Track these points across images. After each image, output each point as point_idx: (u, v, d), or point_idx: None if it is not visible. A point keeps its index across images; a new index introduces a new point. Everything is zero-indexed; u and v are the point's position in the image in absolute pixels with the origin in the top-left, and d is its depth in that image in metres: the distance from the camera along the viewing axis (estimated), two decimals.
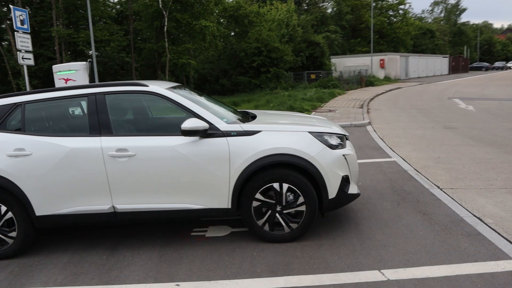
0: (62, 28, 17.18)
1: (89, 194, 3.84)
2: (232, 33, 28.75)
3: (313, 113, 13.83)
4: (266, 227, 3.83)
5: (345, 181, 3.88)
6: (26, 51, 10.77)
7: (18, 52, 10.61)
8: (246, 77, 26.94)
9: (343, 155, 3.87)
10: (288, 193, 3.77)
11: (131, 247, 3.98)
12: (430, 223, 4.10)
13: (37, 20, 18.58)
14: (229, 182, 3.72)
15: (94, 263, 3.69)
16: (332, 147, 3.85)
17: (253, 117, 4.50)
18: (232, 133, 3.77)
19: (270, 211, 3.81)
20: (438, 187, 5.25)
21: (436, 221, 4.13)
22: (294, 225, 3.83)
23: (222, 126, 3.80)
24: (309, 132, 3.84)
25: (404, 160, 6.84)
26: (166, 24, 20.23)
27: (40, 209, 3.85)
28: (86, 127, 3.92)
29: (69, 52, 18.78)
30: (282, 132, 3.83)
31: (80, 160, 3.80)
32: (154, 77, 22.33)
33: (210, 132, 3.74)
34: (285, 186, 3.75)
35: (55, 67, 9.25)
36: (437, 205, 4.57)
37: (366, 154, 7.46)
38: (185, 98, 3.96)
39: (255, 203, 3.77)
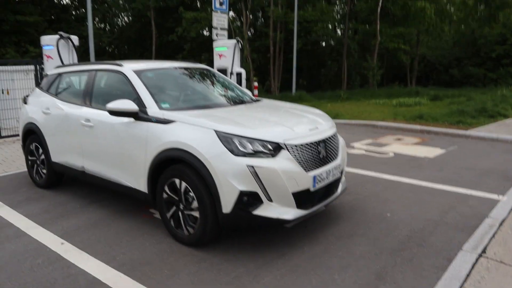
0: (278, 9, 18.77)
1: (71, 153, 4.58)
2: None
3: None
4: (172, 222, 3.60)
5: (249, 197, 3.14)
6: (221, 29, 12.49)
7: (213, 29, 12.36)
8: (482, 69, 22.52)
9: (250, 166, 3.11)
10: (187, 194, 3.40)
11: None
12: None
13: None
14: (145, 168, 3.67)
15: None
16: (235, 152, 3.16)
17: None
18: (152, 119, 3.66)
19: (174, 207, 3.55)
20: None
21: None
22: (191, 230, 3.45)
23: (151, 111, 3.72)
24: (215, 130, 3.27)
25: None
26: (380, 4, 19.04)
27: (53, 156, 4.87)
28: (80, 97, 4.61)
29: (281, 32, 20.43)
30: (191, 126, 3.41)
31: (67, 123, 4.55)
32: (361, 59, 21.67)
33: (141, 115, 3.74)
34: (183, 185, 3.40)
35: (216, 44, 10.55)
36: None
37: None
38: (143, 80, 4.02)
39: (164, 195, 3.59)
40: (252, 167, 3.10)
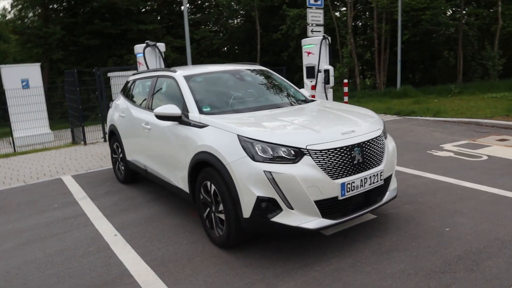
0: None
1: (138, 153, 5.05)
2: None
3: None
4: (207, 223, 3.72)
5: (267, 203, 3.07)
6: (317, 25, 12.32)
7: (308, 26, 12.24)
8: None
9: (268, 171, 3.03)
10: (216, 196, 3.48)
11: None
12: None
13: None
14: (185, 169, 3.87)
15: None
16: (255, 158, 3.11)
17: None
18: (191, 123, 3.82)
19: (208, 209, 3.67)
20: None
21: None
22: (220, 232, 3.52)
23: (192, 115, 3.89)
24: (237, 135, 3.26)
25: None
26: None
27: (128, 155, 5.44)
28: (144, 102, 5.04)
29: (386, 24, 19.10)
30: (219, 131, 3.46)
31: (134, 126, 5.02)
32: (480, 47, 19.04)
33: (184, 119, 3.95)
34: (213, 187, 3.49)
35: (303, 41, 10.47)
36: None
37: None
38: (190, 85, 4.22)
39: (201, 196, 3.73)
40: (270, 172, 3.03)
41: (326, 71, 10.16)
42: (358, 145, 3.32)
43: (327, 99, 9.92)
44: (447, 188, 4.76)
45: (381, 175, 3.44)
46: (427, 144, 7.21)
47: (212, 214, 3.60)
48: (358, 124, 3.56)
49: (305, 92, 5.01)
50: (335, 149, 3.18)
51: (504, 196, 4.37)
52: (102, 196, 5.32)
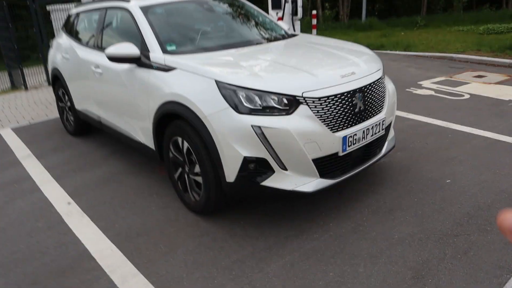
0: None
1: (88, 101, 4.25)
2: None
3: None
4: (180, 185, 3.15)
5: (256, 165, 2.53)
6: None
7: None
8: None
9: (256, 126, 2.44)
10: (190, 156, 2.88)
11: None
12: None
13: None
14: (149, 122, 3.19)
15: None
16: (239, 109, 2.50)
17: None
18: (153, 66, 3.09)
19: (180, 169, 3.08)
20: None
21: None
22: (196, 196, 2.97)
23: (154, 56, 3.14)
24: (216, 80, 2.60)
25: None
26: None
27: (76, 104, 4.61)
28: (92, 40, 4.15)
29: None
30: (191, 75, 2.77)
31: (82, 70, 4.17)
32: None
33: (143, 61, 3.19)
34: (186, 145, 2.87)
35: None
36: None
37: None
38: (149, 18, 3.40)
39: (170, 154, 3.12)
40: (259, 127, 2.44)
41: (294, 1, 9.32)
42: (360, 90, 2.78)
43: (294, 31, 9.19)
44: (437, 131, 4.42)
45: (383, 124, 2.96)
46: (404, 81, 6.82)
47: (186, 175, 3.02)
48: (357, 64, 2.99)
49: (283, 25, 4.31)
50: (335, 95, 2.63)
51: (497, 140, 4.09)
52: (50, 153, 4.55)
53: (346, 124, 2.68)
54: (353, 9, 21.34)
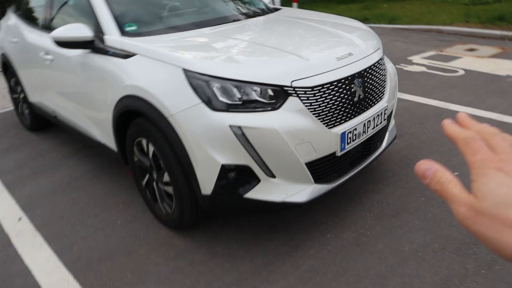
0: None
1: (41, 92, 3.68)
2: None
3: None
4: (148, 193, 2.66)
5: (237, 174, 2.06)
6: None
7: None
8: None
9: (236, 126, 1.96)
10: (157, 160, 2.39)
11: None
12: None
13: None
14: (108, 119, 2.67)
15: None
16: (214, 105, 2.01)
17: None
18: (109, 51, 2.54)
19: (148, 175, 2.59)
20: None
21: None
22: (168, 209, 2.50)
23: (110, 39, 2.59)
24: (184, 69, 2.10)
25: None
26: None
27: (30, 96, 4.02)
28: (41, 22, 3.55)
29: None
30: (154, 62, 2.25)
31: (31, 56, 3.58)
32: None
33: (98, 45, 2.64)
34: (151, 148, 2.38)
35: None
36: None
37: None
38: None
39: (135, 157, 2.62)
40: (240, 128, 1.97)
41: None
42: (359, 74, 2.32)
43: (273, 3, 8.59)
44: (435, 114, 4.02)
45: (385, 114, 2.52)
46: (393, 56, 6.36)
47: (154, 184, 2.53)
48: (353, 43, 2.52)
49: None
50: (331, 83, 2.16)
51: (502, 122, 3.72)
52: (3, 153, 3.98)
53: (344, 118, 2.23)
54: None
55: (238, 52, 2.28)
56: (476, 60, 5.83)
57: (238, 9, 3.30)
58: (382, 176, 2.94)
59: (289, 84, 2.04)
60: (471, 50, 6.46)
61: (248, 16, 3.15)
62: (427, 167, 0.44)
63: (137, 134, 2.45)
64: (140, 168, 2.62)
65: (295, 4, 9.00)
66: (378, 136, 2.61)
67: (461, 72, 5.31)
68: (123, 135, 2.63)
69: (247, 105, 2.01)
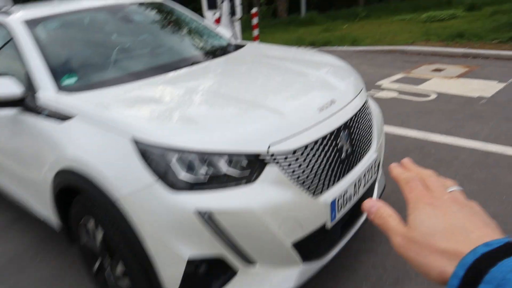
0: None
1: None
2: None
3: None
4: (101, 282, 2.17)
5: (208, 267, 1.64)
6: None
7: None
8: None
9: (203, 212, 1.55)
10: (108, 246, 1.93)
11: None
12: None
13: None
14: (45, 194, 2.18)
15: None
16: (174, 183, 1.59)
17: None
18: (43, 111, 2.08)
19: (99, 259, 2.11)
20: None
21: None
22: None
23: (44, 95, 2.14)
24: (134, 139, 1.67)
25: None
26: None
27: None
28: None
29: None
30: (97, 128, 1.82)
31: None
32: None
33: (29, 103, 2.17)
34: (100, 231, 1.92)
35: None
36: None
37: None
38: (38, 37, 2.39)
39: (83, 238, 2.14)
40: (207, 212, 1.55)
41: (231, 0, 8.43)
42: (346, 125, 1.97)
43: (235, 34, 8.33)
44: (417, 147, 3.77)
45: (375, 166, 2.19)
46: None
47: (106, 273, 2.05)
48: (334, 86, 2.19)
49: (225, 31, 3.44)
50: (315, 142, 1.80)
51: (486, 152, 3.50)
52: None
53: (332, 180, 1.86)
54: (291, 3, 20.86)
55: (200, 109, 1.88)
56: (445, 82, 5.72)
57: (197, 48, 2.93)
58: (372, 231, 2.59)
59: (266, 150, 1.66)
60: (438, 70, 6.38)
61: (210, 56, 2.78)
62: (372, 204, 0.51)
63: (82, 212, 1.98)
64: (89, 251, 2.13)
65: (255, 31, 8.76)
66: (368, 192, 2.26)
67: (433, 96, 5.16)
68: (66, 212, 2.15)
69: (215, 181, 1.61)
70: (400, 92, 5.44)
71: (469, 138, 3.79)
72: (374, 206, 0.50)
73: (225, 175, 1.62)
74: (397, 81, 6.02)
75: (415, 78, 6.05)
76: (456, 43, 7.89)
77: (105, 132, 1.76)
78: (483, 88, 5.22)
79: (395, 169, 0.54)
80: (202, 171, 1.60)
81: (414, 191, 0.48)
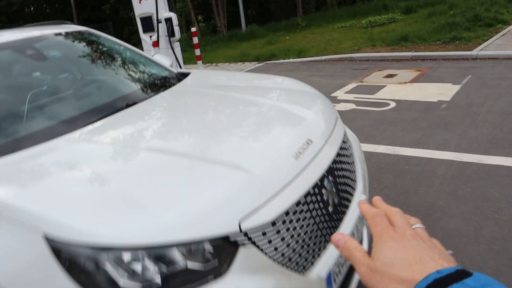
0: None
1: None
2: None
3: None
4: None
5: None
6: None
7: None
8: None
9: None
10: None
11: None
12: None
13: None
14: None
15: None
16: None
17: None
18: None
19: None
20: None
21: None
22: None
23: None
24: (46, 236, 1.15)
25: None
26: None
27: None
28: None
29: None
30: (13, 225, 1.27)
31: None
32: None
33: None
34: None
35: None
36: None
37: None
38: None
39: None
40: None
41: (168, 20, 7.93)
42: (328, 171, 1.56)
43: (176, 57, 7.85)
44: (388, 164, 3.47)
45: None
46: None
47: None
48: (304, 118, 1.78)
49: (164, 60, 2.96)
50: (297, 203, 1.36)
51: (463, 163, 3.27)
52: None
53: (322, 244, 1.44)
54: (229, 18, 20.71)
55: (140, 182, 1.37)
56: (400, 88, 5.58)
57: (132, 84, 2.42)
58: None
59: (237, 229, 1.20)
60: (390, 76, 6.27)
61: (147, 93, 2.28)
62: (340, 237, 0.52)
63: None
64: None
65: (197, 51, 8.32)
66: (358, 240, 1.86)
67: (393, 104, 4.96)
68: None
69: (173, 282, 1.12)
70: (358, 103, 5.21)
71: (441, 149, 3.55)
72: (342, 239, 0.52)
73: (186, 270, 1.14)
74: (352, 91, 5.81)
75: (370, 86, 5.88)
76: (401, 46, 7.92)
77: (6, 227, 1.22)
78: (440, 91, 5.11)
79: (363, 205, 0.56)
80: (152, 272, 1.11)
81: (378, 226, 0.50)
